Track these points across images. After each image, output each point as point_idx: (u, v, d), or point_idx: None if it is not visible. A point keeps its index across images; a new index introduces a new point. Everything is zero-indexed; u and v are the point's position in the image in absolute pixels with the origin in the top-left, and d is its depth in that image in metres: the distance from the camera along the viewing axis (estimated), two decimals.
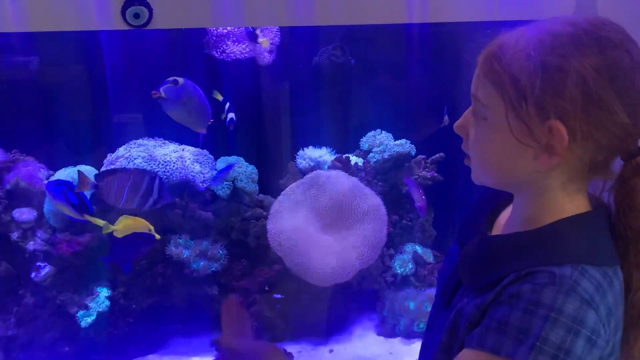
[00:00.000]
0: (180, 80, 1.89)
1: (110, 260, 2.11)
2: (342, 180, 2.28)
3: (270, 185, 2.45)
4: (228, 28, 2.25)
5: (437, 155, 2.53)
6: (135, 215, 2.04)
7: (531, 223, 0.81)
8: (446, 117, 2.49)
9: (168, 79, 1.90)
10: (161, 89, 1.87)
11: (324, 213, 2.28)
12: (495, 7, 1.64)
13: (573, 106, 0.72)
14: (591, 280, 0.73)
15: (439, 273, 1.03)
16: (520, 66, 0.74)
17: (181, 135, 2.37)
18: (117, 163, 2.23)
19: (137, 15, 1.58)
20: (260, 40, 2.27)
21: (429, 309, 2.36)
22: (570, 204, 0.80)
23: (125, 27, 1.59)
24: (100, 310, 2.22)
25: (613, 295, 0.76)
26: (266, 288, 2.41)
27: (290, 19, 1.66)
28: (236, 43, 2.31)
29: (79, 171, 2.03)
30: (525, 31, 0.76)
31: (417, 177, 2.50)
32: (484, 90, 0.78)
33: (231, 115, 2.26)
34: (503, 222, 0.92)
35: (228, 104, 2.25)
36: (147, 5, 1.58)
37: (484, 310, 0.77)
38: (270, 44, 2.43)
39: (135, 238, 2.04)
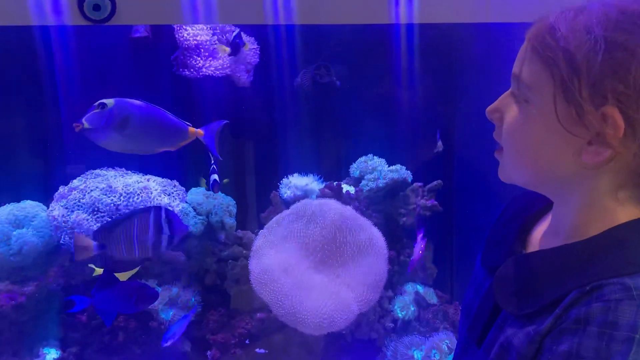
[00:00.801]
0: (110, 102, 1.46)
1: (91, 304, 1.65)
2: (335, 210, 1.98)
3: (250, 219, 2.14)
4: (198, 39, 1.99)
5: (436, 182, 2.28)
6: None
7: (578, 234, 0.70)
8: (440, 142, 2.27)
9: (95, 103, 1.47)
10: (83, 119, 1.44)
11: (315, 248, 1.97)
12: (487, 7, 1.48)
13: (636, 92, 0.62)
14: None
15: (463, 305, 0.89)
16: (579, 41, 0.64)
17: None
18: (71, 196, 1.89)
19: (97, 8, 1.31)
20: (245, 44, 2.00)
21: (438, 357, 2.08)
22: (622, 213, 0.69)
23: (84, 22, 1.31)
24: None
25: None
26: (247, 341, 2.07)
27: (269, 17, 1.46)
28: (209, 58, 2.04)
29: (75, 235, 1.64)
30: (587, 5, 0.67)
31: (414, 206, 2.23)
32: (530, 67, 0.69)
33: (214, 176, 1.99)
34: (539, 239, 0.81)
35: (213, 166, 1.99)
36: None
37: (541, 341, 0.65)
38: (248, 63, 2.18)
39: (138, 289, 1.67)
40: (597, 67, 0.63)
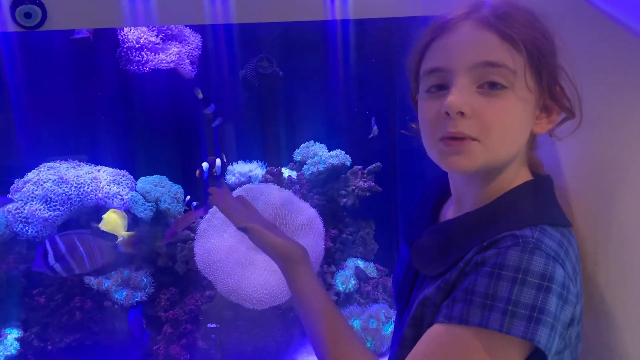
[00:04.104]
0: None
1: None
2: (275, 194, 2.13)
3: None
4: (142, 41, 2.11)
5: (374, 165, 2.44)
6: None
7: (483, 200, 0.80)
8: (375, 128, 2.41)
9: None
10: None
11: None
12: (417, 1, 1.60)
13: (563, 69, 0.78)
14: (552, 237, 0.71)
15: (393, 279, 0.99)
16: (541, 29, 0.76)
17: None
18: (24, 188, 2.03)
19: (28, 15, 1.42)
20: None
21: (376, 325, 2.25)
22: (518, 177, 0.80)
23: (17, 29, 1.43)
24: (8, 354, 1.97)
25: (574, 253, 0.74)
26: (200, 318, 2.22)
27: (207, 17, 1.56)
28: (153, 53, 2.17)
29: None
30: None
31: (354, 188, 2.39)
32: (509, 55, 0.74)
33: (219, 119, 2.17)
34: (447, 212, 0.90)
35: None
36: (40, 4, 1.43)
37: (449, 289, 0.74)
38: (191, 55, 2.30)
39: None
40: (552, 52, 0.77)
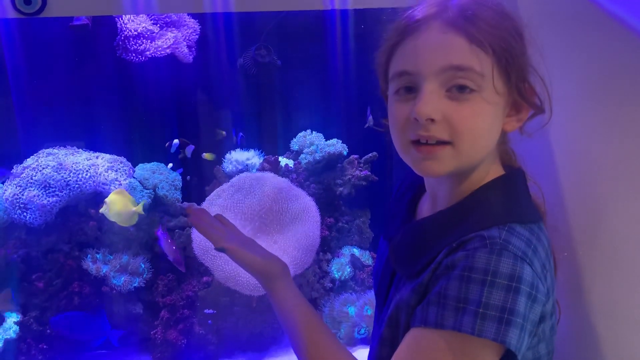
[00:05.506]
0: None
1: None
2: (271, 182, 2.16)
3: (196, 192, 2.31)
4: (139, 29, 2.12)
5: (371, 154, 2.46)
6: None
7: (455, 198, 0.81)
8: (370, 118, 2.43)
9: None
10: None
11: (253, 217, 2.15)
12: None
13: (532, 66, 0.78)
14: (520, 237, 0.72)
15: (373, 274, 1.02)
16: (507, 29, 0.75)
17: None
18: (24, 174, 2.04)
19: (28, 2, 1.43)
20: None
21: (370, 312, 2.29)
22: (489, 174, 0.81)
23: (16, 15, 1.44)
24: (7, 337, 2.00)
25: (543, 250, 0.74)
26: (197, 303, 2.25)
27: (207, 6, 1.57)
28: (150, 41, 2.18)
29: None
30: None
31: (350, 177, 2.41)
32: (476, 57, 0.73)
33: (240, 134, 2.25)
34: (423, 207, 0.91)
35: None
36: None
37: (423, 291, 0.75)
38: (189, 39, 2.31)
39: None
40: (522, 50, 0.76)
